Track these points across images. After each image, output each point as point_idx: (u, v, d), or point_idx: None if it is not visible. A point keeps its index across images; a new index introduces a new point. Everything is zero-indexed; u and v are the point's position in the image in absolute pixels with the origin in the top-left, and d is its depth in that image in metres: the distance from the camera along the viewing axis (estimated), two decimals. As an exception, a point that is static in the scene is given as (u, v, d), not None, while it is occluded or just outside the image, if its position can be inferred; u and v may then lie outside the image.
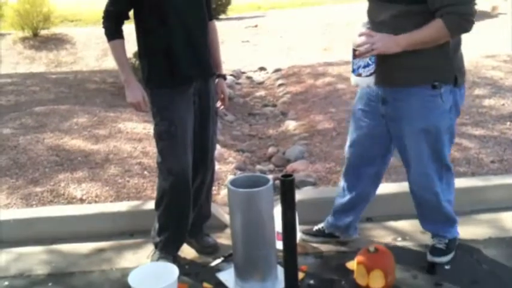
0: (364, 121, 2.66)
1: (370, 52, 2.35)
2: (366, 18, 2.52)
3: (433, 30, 2.27)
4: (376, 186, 2.87)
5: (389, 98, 2.51)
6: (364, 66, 2.40)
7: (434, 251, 2.72)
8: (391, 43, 2.32)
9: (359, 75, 2.43)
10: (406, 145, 2.56)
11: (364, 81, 2.45)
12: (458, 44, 2.45)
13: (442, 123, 2.49)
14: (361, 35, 2.38)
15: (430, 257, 2.72)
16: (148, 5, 2.55)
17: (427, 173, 2.58)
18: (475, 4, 2.28)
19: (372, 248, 2.51)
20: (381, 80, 2.45)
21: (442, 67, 2.41)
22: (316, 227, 3.01)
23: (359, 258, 2.52)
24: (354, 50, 2.39)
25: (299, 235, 2.87)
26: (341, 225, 2.91)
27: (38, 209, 3.36)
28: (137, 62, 2.78)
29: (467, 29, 2.27)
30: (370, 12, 2.51)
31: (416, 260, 2.76)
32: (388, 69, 2.41)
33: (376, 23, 2.42)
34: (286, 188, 2.28)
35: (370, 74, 2.42)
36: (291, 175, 2.30)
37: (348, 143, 2.80)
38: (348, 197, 2.84)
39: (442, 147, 2.54)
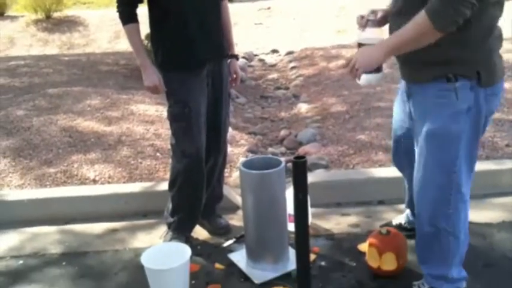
0: (401, 114, 2.47)
1: (356, 72, 2.05)
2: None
3: (414, 24, 1.87)
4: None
5: (412, 92, 2.24)
6: None
7: None
8: (372, 54, 2.02)
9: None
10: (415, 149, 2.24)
11: (370, 78, 2.17)
12: (487, 35, 1.98)
13: (453, 126, 2.04)
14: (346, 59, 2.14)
15: None
16: None
17: (426, 186, 2.17)
18: None
19: (383, 231, 2.51)
20: (403, 75, 2.26)
21: (460, 59, 2.00)
22: (395, 222, 2.81)
23: (371, 240, 2.52)
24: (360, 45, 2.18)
25: (311, 217, 2.87)
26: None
27: (51, 190, 3.39)
28: (149, 44, 2.76)
29: (453, 16, 1.81)
30: (391, 2, 2.24)
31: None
32: (407, 64, 2.20)
33: (393, 12, 2.15)
34: (299, 170, 2.26)
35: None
36: (303, 157, 2.28)
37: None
38: (408, 191, 2.66)
39: (451, 159, 2.08)
